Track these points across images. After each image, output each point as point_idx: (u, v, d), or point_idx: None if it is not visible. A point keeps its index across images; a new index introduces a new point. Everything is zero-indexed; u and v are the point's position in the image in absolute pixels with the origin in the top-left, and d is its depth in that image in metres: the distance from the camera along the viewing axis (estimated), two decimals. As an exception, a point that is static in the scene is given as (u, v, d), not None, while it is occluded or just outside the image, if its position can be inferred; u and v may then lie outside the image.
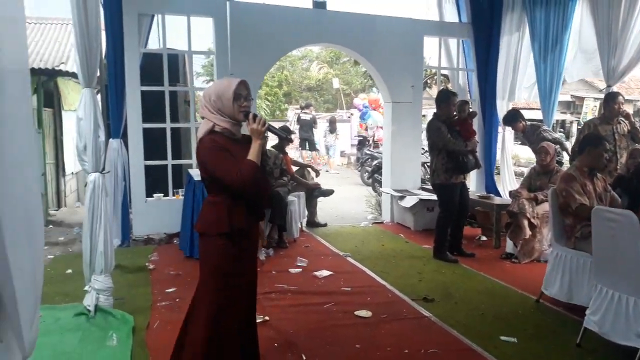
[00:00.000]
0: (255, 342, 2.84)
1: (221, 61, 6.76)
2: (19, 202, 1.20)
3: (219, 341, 2.52)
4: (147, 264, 5.34)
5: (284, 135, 2.56)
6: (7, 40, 1.12)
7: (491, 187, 7.73)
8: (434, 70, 11.39)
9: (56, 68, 7.75)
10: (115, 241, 6.00)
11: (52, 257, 5.79)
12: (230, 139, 2.51)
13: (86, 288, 3.86)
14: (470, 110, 5.85)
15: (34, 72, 7.67)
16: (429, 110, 15.45)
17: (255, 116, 2.45)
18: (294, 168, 7.23)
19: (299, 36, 7.25)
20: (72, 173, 9.47)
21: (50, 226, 7.53)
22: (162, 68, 6.55)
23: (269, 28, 6.89)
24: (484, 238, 6.47)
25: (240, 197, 2.49)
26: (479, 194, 6.98)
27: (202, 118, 2.57)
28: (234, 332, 2.57)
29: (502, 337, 3.56)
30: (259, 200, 2.65)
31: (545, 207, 4.94)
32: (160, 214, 6.52)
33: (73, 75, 4.73)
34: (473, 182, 7.91)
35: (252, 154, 2.43)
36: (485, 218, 6.61)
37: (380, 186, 8.44)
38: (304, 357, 3.24)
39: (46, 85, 8.17)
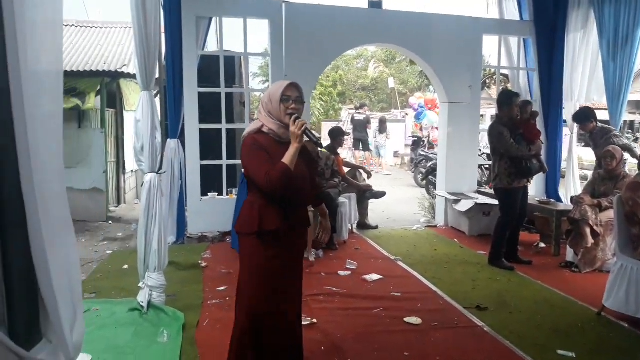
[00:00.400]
0: (298, 343, 2.81)
1: (276, 62, 6.82)
2: (54, 200, 1.23)
3: (250, 340, 2.55)
4: (200, 261, 5.45)
5: (315, 140, 2.51)
6: (46, 42, 1.15)
7: (552, 192, 7.40)
8: (493, 70, 11.07)
9: (119, 70, 8.04)
10: (171, 238, 6.20)
11: (110, 252, 6.03)
12: (276, 141, 2.52)
13: (140, 285, 3.99)
14: (532, 110, 5.62)
15: (99, 74, 8.01)
16: (487, 110, 15.04)
17: (297, 119, 2.44)
18: (346, 169, 7.20)
19: (354, 36, 7.21)
20: (132, 171, 9.83)
21: (110, 222, 7.86)
22: (219, 70, 6.68)
23: (324, 29, 6.89)
24: (542, 245, 6.20)
25: (273, 199, 2.49)
26: (538, 199, 6.70)
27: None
28: (267, 332, 2.56)
29: (559, 351, 3.39)
30: (295, 204, 2.59)
31: (610, 214, 4.67)
32: (215, 213, 6.65)
33: (134, 77, 4.92)
34: (533, 186, 7.60)
35: (287, 157, 2.42)
36: (544, 224, 6.34)
37: (435, 188, 8.27)
38: (351, 363, 3.21)
39: (109, 86, 8.51)
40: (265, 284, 2.55)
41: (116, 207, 8.94)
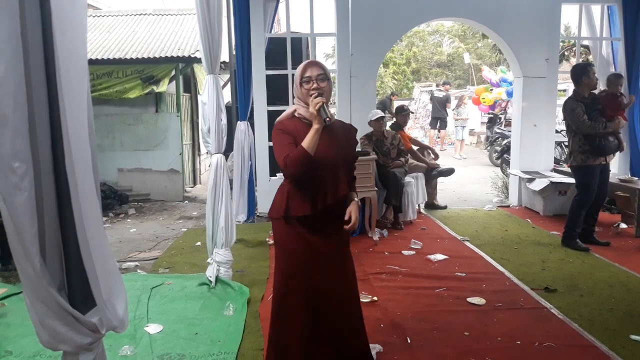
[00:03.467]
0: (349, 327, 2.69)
1: (342, 42, 6.82)
2: (88, 180, 1.33)
3: (281, 320, 2.56)
4: (267, 239, 5.63)
5: (324, 118, 2.32)
6: (69, 30, 1.23)
7: (636, 169, 6.92)
8: (572, 41, 10.39)
9: (192, 55, 8.37)
10: (242, 217, 6.45)
11: (185, 230, 6.36)
12: (307, 124, 2.45)
13: (209, 260, 4.20)
14: (622, 94, 5.25)
15: (174, 60, 8.38)
16: (570, 85, 14.09)
17: (317, 97, 2.36)
18: (414, 147, 7.11)
19: (421, 12, 7.04)
20: (207, 153, 10.26)
21: (186, 202, 8.28)
22: (286, 52, 6.76)
23: (390, 5, 6.79)
24: (623, 226, 5.83)
25: (300, 185, 2.44)
26: (620, 177, 6.29)
27: None
28: (298, 315, 2.50)
29: (633, 336, 3.22)
30: (324, 190, 2.45)
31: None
32: (283, 192, 6.79)
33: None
34: (616, 163, 7.14)
35: (305, 140, 2.35)
36: (626, 204, 5.95)
37: (509, 167, 7.97)
38: (409, 340, 3.22)
39: (184, 71, 8.88)
40: (297, 269, 2.50)
41: (192, 187, 9.38)
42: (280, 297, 2.57)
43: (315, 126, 2.35)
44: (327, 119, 2.34)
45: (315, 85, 2.42)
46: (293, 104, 2.61)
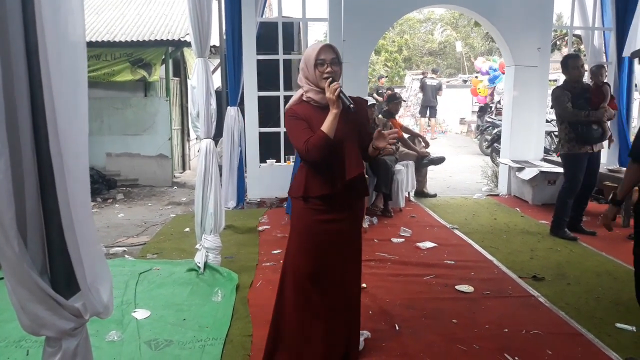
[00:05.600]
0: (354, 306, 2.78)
1: (334, 27, 6.77)
2: (80, 165, 1.29)
3: (292, 302, 2.59)
4: (257, 225, 5.60)
5: (347, 105, 2.31)
6: (68, 11, 1.19)
7: (625, 160, 6.96)
8: (564, 31, 10.39)
9: (182, 39, 8.25)
10: (231, 203, 6.41)
11: (173, 215, 6.32)
12: (316, 107, 2.46)
13: (197, 246, 4.16)
14: (606, 83, 5.28)
15: (163, 43, 8.27)
16: (554, 75, 14.13)
17: (332, 82, 2.33)
18: (405, 136, 7.09)
19: (414, -2, 6.99)
20: (196, 138, 10.17)
21: (175, 187, 8.23)
22: (277, 37, 6.69)
23: (383, -10, 6.72)
24: (611, 216, 5.86)
25: (318, 167, 2.47)
26: (609, 167, 6.33)
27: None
28: (314, 297, 2.56)
29: (619, 325, 3.25)
30: (342, 171, 2.46)
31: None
32: (273, 179, 6.78)
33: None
34: (605, 154, 7.18)
35: (325, 125, 2.35)
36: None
37: (499, 156, 7.99)
38: (397, 327, 3.22)
39: (173, 55, 8.76)
40: (311, 247, 2.55)
41: (181, 173, 9.32)
42: (293, 269, 2.59)
43: (334, 111, 2.34)
44: (352, 105, 2.32)
45: (329, 69, 2.39)
46: (299, 88, 2.56)
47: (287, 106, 2.55)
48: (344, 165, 2.47)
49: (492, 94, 15.16)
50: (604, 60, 7.29)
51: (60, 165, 1.21)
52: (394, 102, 6.88)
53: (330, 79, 2.36)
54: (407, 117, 17.18)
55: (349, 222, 2.61)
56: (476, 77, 16.72)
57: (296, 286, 2.59)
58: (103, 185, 7.86)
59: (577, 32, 8.08)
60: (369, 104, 5.89)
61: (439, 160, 7.18)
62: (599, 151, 5.21)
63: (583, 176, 5.05)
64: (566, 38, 10.23)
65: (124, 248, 4.94)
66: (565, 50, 9.81)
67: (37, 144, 1.26)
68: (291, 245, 2.63)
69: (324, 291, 2.58)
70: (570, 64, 5.01)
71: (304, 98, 2.50)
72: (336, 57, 2.43)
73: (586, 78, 5.77)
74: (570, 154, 5.03)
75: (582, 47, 8.58)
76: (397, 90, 13.93)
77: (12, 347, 2.93)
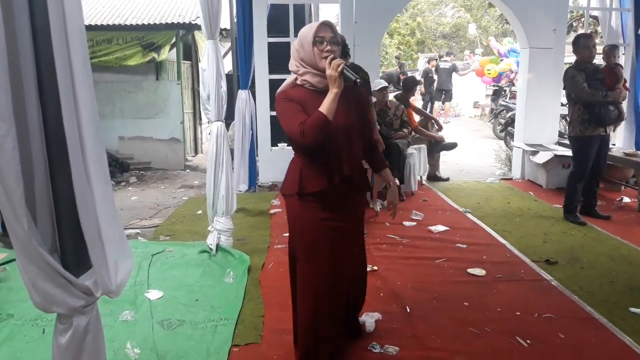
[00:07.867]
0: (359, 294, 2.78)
1: (346, 9, 6.66)
2: (91, 136, 1.29)
3: (301, 291, 2.45)
4: (268, 209, 5.61)
5: (354, 79, 2.12)
6: None
7: (642, 143, 6.85)
8: (581, 12, 10.16)
9: (192, 22, 8.21)
10: (243, 186, 6.42)
11: (186, 198, 6.35)
12: (313, 91, 2.26)
13: (209, 228, 4.19)
14: (619, 64, 5.17)
15: (174, 26, 8.24)
16: (571, 57, 13.78)
17: (333, 59, 2.15)
18: (417, 118, 7.01)
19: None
20: (208, 121, 10.18)
21: (188, 171, 8.26)
22: (288, 19, 6.63)
23: (395, -28, 6.62)
24: (626, 199, 5.79)
25: (315, 157, 2.27)
26: (625, 151, 6.23)
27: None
28: (323, 291, 2.37)
29: (632, 309, 3.21)
30: (340, 161, 2.28)
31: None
32: (284, 162, 6.57)
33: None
34: (621, 137, 7.07)
35: (324, 105, 2.14)
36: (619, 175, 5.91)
37: (513, 140, 7.90)
38: (408, 310, 3.22)
39: (184, 38, 8.74)
40: (314, 248, 2.35)
41: (193, 156, 9.35)
42: (302, 268, 2.42)
43: (334, 90, 2.14)
44: (358, 80, 2.13)
45: (328, 47, 2.20)
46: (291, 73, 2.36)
47: (278, 90, 2.34)
48: (342, 156, 2.29)
49: (513, 80, 14.71)
50: (621, 41, 7.13)
51: (76, 145, 1.22)
52: (410, 88, 6.79)
53: (332, 56, 2.17)
54: (419, 100, 17.02)
55: (349, 222, 2.46)
56: (494, 59, 16.26)
57: (316, 296, 2.38)
58: (116, 168, 7.92)
59: (594, 13, 7.91)
60: (380, 86, 5.86)
61: (452, 146, 7.11)
62: (609, 134, 5.12)
63: (593, 159, 4.97)
64: (582, 19, 10.03)
65: (137, 230, 4.98)
66: (581, 32, 9.59)
67: (44, 122, 1.26)
68: (297, 253, 2.43)
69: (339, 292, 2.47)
70: (582, 42, 4.91)
71: (298, 82, 2.30)
72: (335, 37, 2.24)
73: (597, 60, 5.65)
74: (582, 137, 4.93)
75: (598, 28, 8.40)
76: (409, 73, 13.82)
77: (28, 325, 2.99)
